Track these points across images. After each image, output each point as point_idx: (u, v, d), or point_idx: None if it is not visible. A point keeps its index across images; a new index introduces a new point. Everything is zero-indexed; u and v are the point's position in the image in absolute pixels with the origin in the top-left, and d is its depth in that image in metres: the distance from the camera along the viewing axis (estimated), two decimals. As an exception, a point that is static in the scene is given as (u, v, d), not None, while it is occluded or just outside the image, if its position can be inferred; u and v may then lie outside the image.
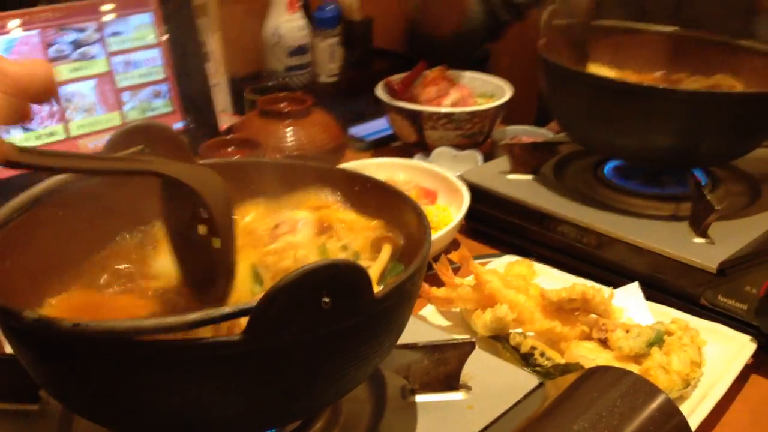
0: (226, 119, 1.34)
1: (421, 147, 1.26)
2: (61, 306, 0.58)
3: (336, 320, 0.46)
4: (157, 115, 1.21)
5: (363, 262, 0.60)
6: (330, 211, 0.69)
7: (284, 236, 0.66)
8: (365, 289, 0.47)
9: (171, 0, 1.21)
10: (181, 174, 0.54)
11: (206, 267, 0.59)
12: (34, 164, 0.46)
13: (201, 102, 1.25)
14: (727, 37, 1.11)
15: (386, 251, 0.64)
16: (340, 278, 0.45)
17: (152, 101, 1.21)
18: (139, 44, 1.18)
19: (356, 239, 0.66)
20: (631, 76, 1.09)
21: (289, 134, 1.13)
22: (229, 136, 1.08)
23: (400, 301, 0.52)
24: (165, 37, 1.20)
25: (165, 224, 0.61)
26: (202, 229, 0.57)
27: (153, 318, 0.45)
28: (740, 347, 0.78)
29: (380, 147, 1.38)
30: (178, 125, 1.24)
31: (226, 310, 0.45)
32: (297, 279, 0.44)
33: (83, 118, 1.14)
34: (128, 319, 0.45)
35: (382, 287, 0.49)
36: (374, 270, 0.62)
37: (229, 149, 1.05)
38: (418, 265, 0.52)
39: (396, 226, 0.64)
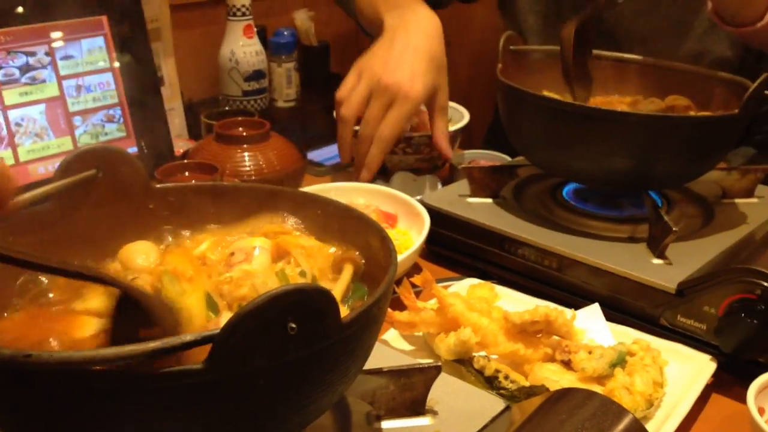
0: (181, 144, 1.32)
1: (380, 171, 1.25)
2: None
3: (302, 346, 0.45)
4: (110, 139, 1.19)
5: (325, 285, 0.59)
6: (288, 238, 0.67)
7: (239, 264, 0.64)
8: (332, 314, 0.46)
9: (124, 24, 1.19)
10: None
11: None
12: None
13: (155, 126, 1.23)
14: (678, 62, 1.14)
15: (348, 271, 0.63)
16: (306, 303, 0.44)
17: (105, 126, 1.18)
18: (91, 68, 1.16)
19: (315, 264, 0.65)
20: (587, 100, 1.11)
21: (247, 159, 1.12)
22: (185, 161, 1.06)
23: (367, 326, 0.51)
24: (118, 62, 1.17)
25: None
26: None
27: (111, 347, 0.43)
28: (701, 367, 0.79)
29: (339, 171, 1.37)
30: (132, 150, 1.21)
31: (188, 337, 0.43)
32: (262, 304, 0.42)
33: (33, 143, 1.11)
34: (85, 349, 0.43)
35: (348, 312, 0.48)
36: (336, 291, 0.61)
37: (185, 174, 1.03)
38: (385, 289, 0.52)
39: (359, 250, 0.63)
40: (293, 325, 0.43)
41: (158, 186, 0.70)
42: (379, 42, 1.17)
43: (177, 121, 1.39)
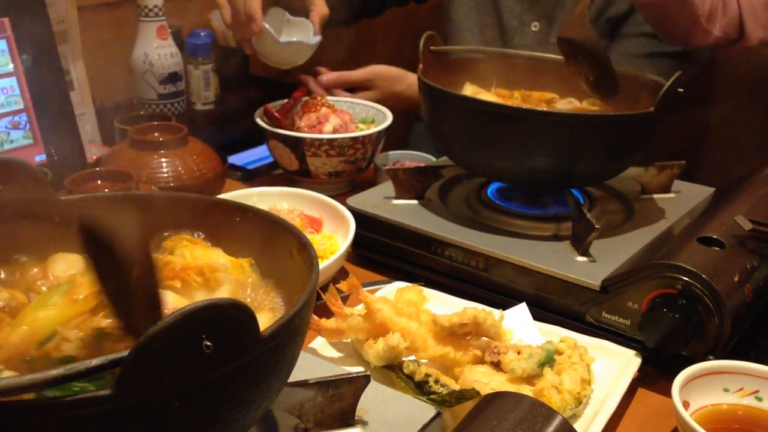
0: (94, 151, 1.27)
1: (303, 174, 1.23)
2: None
3: (220, 365, 0.42)
4: (17, 147, 1.13)
5: None
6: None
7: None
8: (250, 329, 0.43)
9: (28, 26, 1.13)
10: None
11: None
12: None
13: (65, 133, 1.17)
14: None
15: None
16: (221, 319, 0.41)
17: (10, 133, 1.12)
18: (-7, 72, 1.10)
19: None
20: (508, 99, 1.11)
21: (164, 165, 1.08)
22: (97, 169, 1.01)
23: (289, 338, 0.49)
24: (22, 65, 1.11)
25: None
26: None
27: (9, 377, 0.39)
28: (626, 362, 0.80)
29: (261, 176, 1.34)
30: (40, 157, 1.15)
31: (93, 362, 0.40)
32: (174, 322, 0.40)
33: (-71, 152, 1.03)
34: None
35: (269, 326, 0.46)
36: None
37: (98, 182, 0.99)
38: (306, 299, 0.50)
39: (279, 258, 0.60)
40: (208, 343, 0.41)
41: (64, 198, 0.66)
42: None
43: (89, 127, 1.33)
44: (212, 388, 0.43)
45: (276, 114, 1.24)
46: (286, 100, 1.28)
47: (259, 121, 1.24)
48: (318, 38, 1.26)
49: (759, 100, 1.52)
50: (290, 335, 0.48)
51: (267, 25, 1.19)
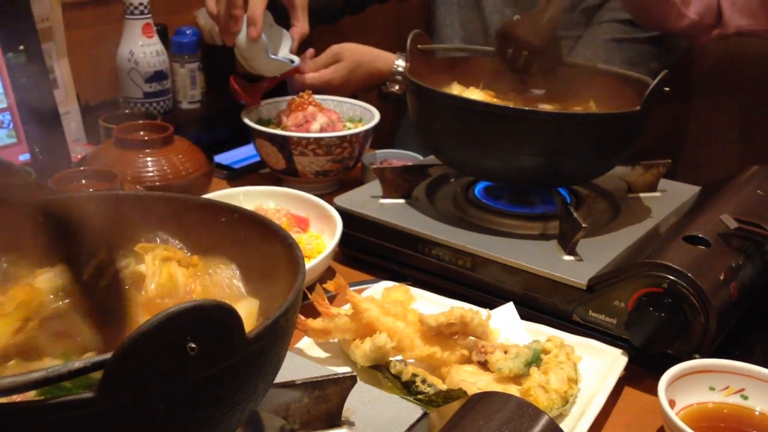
0: (79, 149, 1.25)
1: (290, 173, 1.22)
2: None
3: (204, 367, 0.42)
4: (0, 146, 1.11)
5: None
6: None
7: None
8: (236, 331, 0.43)
9: (11, 23, 1.11)
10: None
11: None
12: None
13: (50, 131, 1.16)
14: (581, 60, 1.16)
15: None
16: (206, 320, 0.41)
17: (-7, 132, 1.10)
18: (-24, 70, 1.08)
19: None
20: (494, 98, 1.11)
21: (150, 164, 1.07)
22: (81, 168, 1.00)
23: (275, 340, 0.48)
24: (6, 64, 1.10)
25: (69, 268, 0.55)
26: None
27: (-11, 380, 0.38)
28: (613, 361, 0.80)
29: (248, 174, 1.33)
30: (24, 157, 1.14)
31: (76, 364, 0.39)
32: (158, 324, 0.39)
33: None
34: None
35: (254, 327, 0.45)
36: None
37: (82, 182, 0.98)
38: (292, 301, 0.49)
39: (265, 258, 0.60)
40: (193, 345, 0.41)
41: (50, 198, 0.65)
42: None
43: (73, 125, 1.32)
44: (197, 390, 0.43)
45: (238, 87, 1.24)
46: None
47: (246, 120, 1.23)
48: (298, 60, 1.29)
49: (739, 93, 1.53)
50: (276, 337, 0.48)
51: (264, 36, 1.18)
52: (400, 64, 1.41)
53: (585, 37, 1.40)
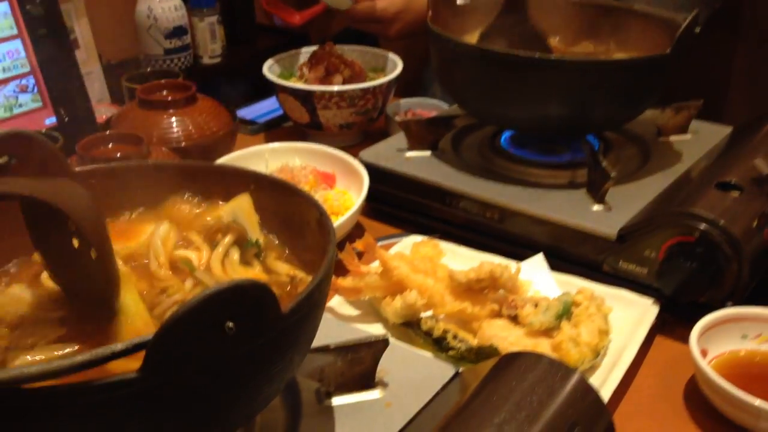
0: (103, 110, 1.26)
1: (314, 127, 1.22)
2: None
3: (242, 344, 0.43)
4: (26, 111, 1.12)
5: None
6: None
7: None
8: (271, 307, 0.44)
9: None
10: (39, 191, 0.49)
11: (91, 284, 0.54)
12: None
13: (74, 93, 1.16)
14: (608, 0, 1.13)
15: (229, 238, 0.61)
16: (243, 300, 0.42)
17: (19, 97, 1.11)
18: (-3, 36, 1.08)
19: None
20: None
21: (174, 124, 1.07)
22: (107, 132, 1.01)
23: (309, 312, 0.49)
24: (26, 27, 1.10)
25: (38, 248, 0.56)
26: (76, 243, 0.53)
27: (36, 365, 0.40)
28: (644, 311, 0.80)
29: (272, 129, 1.33)
30: (50, 120, 1.15)
31: (119, 346, 0.41)
32: (197, 306, 0.40)
33: (-60, 121, 1.03)
34: (9, 368, 0.41)
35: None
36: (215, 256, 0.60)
37: (109, 146, 0.98)
38: (325, 272, 0.50)
39: (295, 229, 0.60)
40: (230, 324, 0.41)
41: (78, 169, 0.66)
42: None
43: (96, 85, 1.32)
44: (236, 366, 0.44)
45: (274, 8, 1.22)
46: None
47: (267, 74, 1.22)
48: None
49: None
50: (310, 309, 0.49)
51: None
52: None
53: None
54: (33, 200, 0.50)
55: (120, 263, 0.58)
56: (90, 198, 0.52)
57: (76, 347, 0.53)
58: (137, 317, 0.53)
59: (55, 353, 0.53)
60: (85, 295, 0.57)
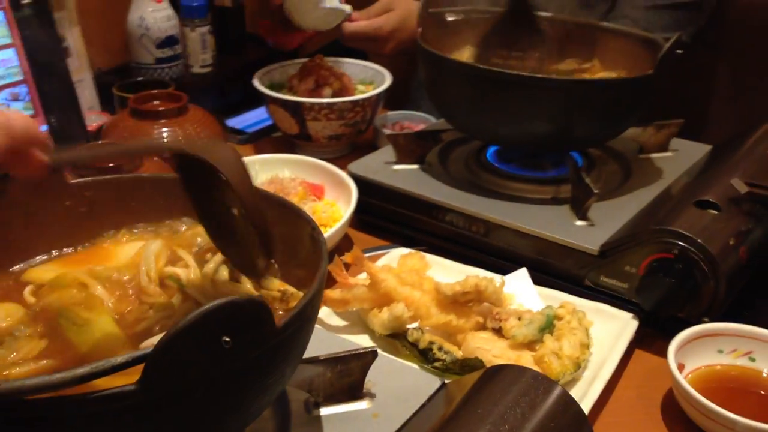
0: (94, 118, 1.27)
1: (303, 138, 1.24)
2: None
3: (238, 358, 0.44)
4: (17, 119, 1.13)
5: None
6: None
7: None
8: (266, 322, 0.45)
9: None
10: (195, 149, 0.53)
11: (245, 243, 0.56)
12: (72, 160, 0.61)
13: (65, 102, 1.17)
14: (592, 20, 1.15)
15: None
16: (240, 315, 0.43)
17: (10, 105, 1.12)
18: (-10, 44, 1.09)
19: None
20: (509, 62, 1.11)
21: (166, 135, 1.08)
22: (99, 143, 1.02)
23: (302, 326, 0.51)
24: (20, 36, 1.11)
25: (196, 209, 0.59)
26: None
27: (37, 377, 0.41)
28: (624, 325, 0.82)
29: (261, 139, 1.35)
30: (42, 128, 1.16)
31: (119, 359, 0.42)
32: (195, 321, 0.41)
33: (-68, 128, 1.04)
34: (11, 380, 0.42)
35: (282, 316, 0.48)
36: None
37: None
38: (317, 288, 0.51)
39: (287, 243, 0.62)
40: (227, 339, 0.43)
41: (74, 182, 0.67)
42: None
43: (87, 93, 1.33)
44: (231, 378, 0.46)
45: (269, 31, 1.24)
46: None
47: (257, 84, 1.24)
48: (350, 8, 1.26)
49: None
50: (303, 323, 0.50)
51: None
52: None
53: (623, 3, 1.36)
54: (184, 154, 0.54)
55: (97, 285, 0.60)
56: (238, 154, 0.53)
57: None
58: (111, 337, 0.55)
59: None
60: (238, 260, 0.60)
